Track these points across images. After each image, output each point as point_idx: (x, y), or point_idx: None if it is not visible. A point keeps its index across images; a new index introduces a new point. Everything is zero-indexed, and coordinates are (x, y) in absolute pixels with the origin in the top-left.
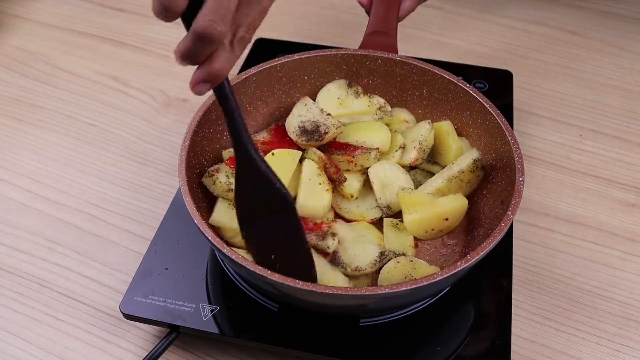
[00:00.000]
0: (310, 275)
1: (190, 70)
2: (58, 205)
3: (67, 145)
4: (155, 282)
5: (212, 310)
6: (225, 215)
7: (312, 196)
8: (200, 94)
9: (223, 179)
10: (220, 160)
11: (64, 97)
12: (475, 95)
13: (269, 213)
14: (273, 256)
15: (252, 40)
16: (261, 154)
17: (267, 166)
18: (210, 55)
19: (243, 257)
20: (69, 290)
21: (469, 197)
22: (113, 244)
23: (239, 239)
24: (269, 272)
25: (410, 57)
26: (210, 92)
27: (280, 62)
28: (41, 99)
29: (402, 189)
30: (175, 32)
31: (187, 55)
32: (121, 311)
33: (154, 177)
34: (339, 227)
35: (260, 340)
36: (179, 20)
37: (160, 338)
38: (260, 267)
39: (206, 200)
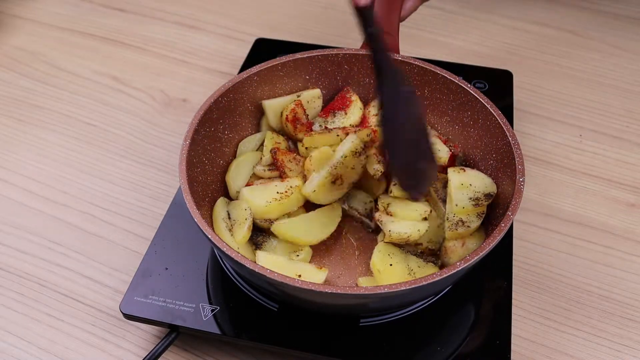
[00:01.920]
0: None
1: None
2: (58, 205)
3: (67, 145)
4: (155, 282)
5: (212, 310)
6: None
7: None
8: (363, 4)
9: None
10: (220, 158)
11: (64, 97)
12: (476, 95)
13: (406, 111)
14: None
15: (252, 40)
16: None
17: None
18: None
19: (243, 256)
20: (69, 290)
21: None
22: (113, 244)
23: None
24: (269, 271)
25: (412, 57)
26: (210, 92)
27: (281, 61)
28: (41, 99)
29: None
30: (176, 32)
31: None
32: (121, 311)
33: (154, 177)
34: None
35: (260, 340)
36: (178, 20)
37: (160, 338)
38: (260, 266)
39: (206, 200)
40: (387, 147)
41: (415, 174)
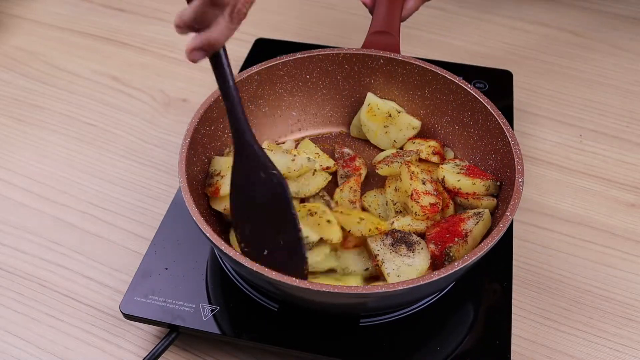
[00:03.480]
0: (301, 271)
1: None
2: (58, 205)
3: (67, 145)
4: (155, 282)
5: (212, 310)
6: None
7: None
8: (194, 60)
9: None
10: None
11: (64, 97)
12: (476, 96)
13: (265, 202)
14: (265, 251)
15: (252, 40)
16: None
17: (263, 151)
18: (209, 24)
19: (240, 254)
20: (69, 290)
21: None
22: (113, 244)
23: None
24: (268, 270)
25: (412, 57)
26: (210, 92)
27: (282, 60)
28: (41, 99)
29: None
30: (175, 33)
31: (192, 20)
32: (121, 311)
33: (154, 177)
34: None
35: (260, 340)
36: None
37: (160, 338)
38: (258, 265)
39: (206, 199)
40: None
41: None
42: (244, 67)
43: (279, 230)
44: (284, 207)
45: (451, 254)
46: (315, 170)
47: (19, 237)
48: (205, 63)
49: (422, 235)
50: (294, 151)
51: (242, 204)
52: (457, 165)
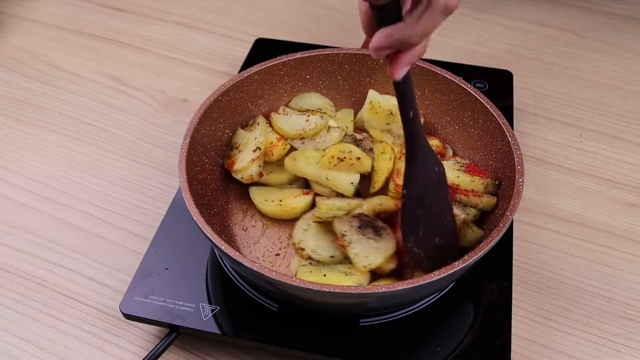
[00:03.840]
0: (455, 252)
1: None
2: (58, 205)
3: (67, 145)
4: (155, 282)
5: (212, 310)
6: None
7: None
8: (399, 78)
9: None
10: (220, 158)
11: (64, 97)
12: (476, 95)
13: (434, 194)
14: (437, 239)
15: (252, 40)
16: None
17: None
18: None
19: (241, 255)
20: (69, 290)
21: None
22: (113, 244)
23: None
24: (267, 270)
25: None
26: (210, 92)
27: (282, 60)
28: (41, 99)
29: None
30: (176, 32)
31: (419, 37)
32: (121, 311)
33: (154, 177)
34: None
35: (260, 340)
36: (178, 20)
37: (160, 338)
38: (258, 265)
39: (206, 199)
40: (412, 229)
41: (434, 255)
42: (244, 67)
43: (444, 213)
44: (445, 191)
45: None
46: (329, 127)
47: (19, 237)
48: (205, 63)
49: (392, 215)
50: (307, 112)
51: (418, 206)
52: (457, 162)
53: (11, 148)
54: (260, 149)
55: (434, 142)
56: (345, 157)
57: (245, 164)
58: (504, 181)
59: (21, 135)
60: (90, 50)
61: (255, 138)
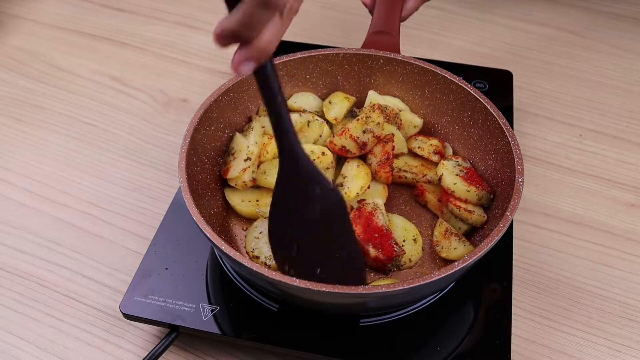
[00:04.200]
0: (361, 276)
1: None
2: (58, 205)
3: (67, 145)
4: (155, 282)
5: (212, 310)
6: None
7: None
8: (244, 74)
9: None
10: (220, 158)
11: (64, 97)
12: (476, 95)
13: (318, 219)
14: (319, 270)
15: None
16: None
17: (316, 166)
18: (258, 29)
19: (241, 255)
20: (69, 290)
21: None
22: (113, 244)
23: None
24: (267, 270)
25: (412, 57)
26: (210, 92)
27: (282, 60)
28: (41, 99)
29: None
30: (175, 33)
31: (240, 26)
32: (121, 311)
33: (154, 177)
34: None
35: (260, 340)
36: (178, 20)
37: (160, 338)
38: (258, 265)
39: (206, 198)
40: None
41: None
42: None
43: (335, 243)
44: (342, 221)
45: (400, 263)
46: (309, 121)
47: (19, 237)
48: (205, 63)
49: None
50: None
51: (289, 223)
52: (458, 164)
53: (11, 148)
54: (250, 158)
55: (432, 142)
56: (314, 160)
57: (237, 173)
58: (504, 181)
59: (21, 135)
60: (90, 50)
61: (248, 147)
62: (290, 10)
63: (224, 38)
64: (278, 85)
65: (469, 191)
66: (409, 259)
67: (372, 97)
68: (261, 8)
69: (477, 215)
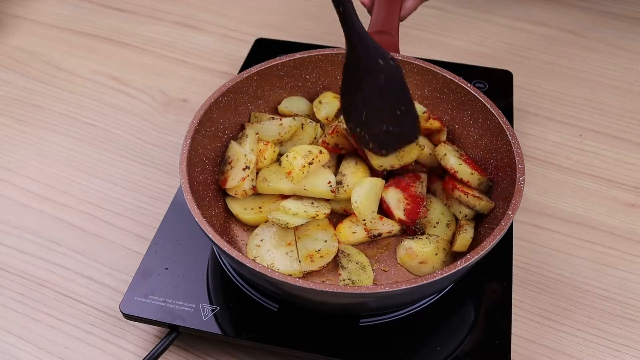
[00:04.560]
0: (417, 128)
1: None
2: (58, 205)
3: (67, 145)
4: (155, 282)
5: (212, 310)
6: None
7: None
8: None
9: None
10: (221, 158)
11: (64, 97)
12: (476, 95)
13: (383, 84)
14: (385, 127)
15: (252, 40)
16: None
17: (375, 42)
18: None
19: (243, 255)
20: (69, 290)
21: None
22: (113, 244)
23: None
24: (269, 270)
25: (412, 56)
26: (210, 92)
27: (281, 60)
28: (41, 99)
29: None
30: (175, 33)
31: None
32: (121, 311)
33: (154, 177)
34: None
35: (260, 340)
36: (178, 20)
37: (160, 338)
38: (260, 265)
39: (206, 199)
40: (353, 112)
41: (383, 138)
42: (244, 67)
43: (395, 104)
44: (401, 84)
45: (422, 224)
46: (302, 124)
47: (19, 237)
48: (205, 63)
49: None
50: (277, 117)
51: (357, 94)
52: (457, 151)
53: (11, 148)
54: (249, 167)
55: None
56: (313, 160)
57: (236, 183)
58: (504, 180)
59: (21, 135)
60: (90, 50)
61: (245, 155)
62: None
63: None
64: None
65: (472, 174)
66: (436, 235)
67: None
68: None
69: (486, 202)
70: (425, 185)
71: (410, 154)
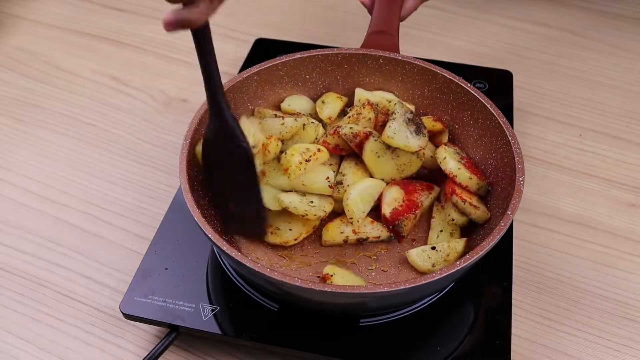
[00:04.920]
0: (261, 229)
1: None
2: (58, 205)
3: (67, 145)
4: (155, 282)
5: (212, 310)
6: None
7: None
8: (169, 31)
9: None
10: None
11: (64, 97)
12: (476, 95)
13: (234, 164)
14: (231, 204)
15: (252, 40)
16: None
17: (236, 121)
18: (192, 3)
19: (242, 255)
20: (69, 290)
21: None
22: (113, 244)
23: None
24: (269, 270)
25: (412, 56)
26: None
27: (281, 60)
28: (41, 99)
29: None
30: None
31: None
32: (121, 311)
33: (154, 177)
34: None
35: (260, 340)
36: None
37: (160, 338)
38: (260, 265)
39: (206, 199)
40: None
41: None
42: (244, 67)
43: (246, 188)
44: (251, 173)
45: (402, 227)
46: (304, 124)
47: (19, 237)
48: None
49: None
50: (280, 114)
51: (214, 160)
52: (457, 153)
53: (11, 148)
54: (255, 147)
55: (436, 125)
56: (310, 158)
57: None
58: (504, 180)
59: (21, 135)
60: (90, 50)
61: (254, 135)
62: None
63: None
64: (211, 47)
65: (471, 178)
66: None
67: (360, 94)
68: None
69: (482, 212)
70: (434, 198)
71: (410, 167)
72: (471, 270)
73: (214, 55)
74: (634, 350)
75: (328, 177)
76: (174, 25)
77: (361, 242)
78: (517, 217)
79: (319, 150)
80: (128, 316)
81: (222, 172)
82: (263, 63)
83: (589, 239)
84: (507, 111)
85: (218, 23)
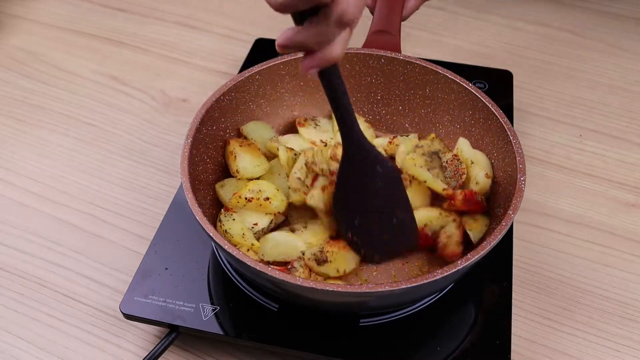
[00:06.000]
0: (414, 241)
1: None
2: (58, 205)
3: (67, 145)
4: (155, 282)
5: (212, 310)
6: None
7: None
8: (310, 74)
9: None
10: (222, 158)
11: (64, 97)
12: (477, 95)
13: (378, 190)
14: (380, 234)
15: (252, 40)
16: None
17: (376, 149)
18: (328, 42)
19: (243, 253)
20: (69, 290)
21: None
22: (113, 244)
23: None
24: (269, 268)
25: (413, 56)
26: (210, 92)
27: (283, 60)
28: (41, 99)
29: None
30: (175, 33)
31: (312, 43)
32: (121, 311)
33: (154, 177)
34: None
35: (260, 340)
36: (178, 20)
37: (160, 338)
38: (261, 264)
39: (207, 199)
40: (345, 216)
41: (377, 247)
42: (244, 67)
43: (393, 210)
44: (399, 189)
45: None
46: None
47: (19, 237)
48: (205, 63)
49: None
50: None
51: (353, 198)
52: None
53: (11, 148)
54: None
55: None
56: (253, 198)
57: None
58: (505, 180)
59: (21, 135)
60: (90, 50)
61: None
62: (354, 24)
63: (289, 48)
64: (341, 82)
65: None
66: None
67: (462, 145)
68: (337, 27)
69: (482, 224)
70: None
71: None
72: (471, 270)
73: (345, 88)
74: (634, 350)
75: (257, 223)
76: (316, 67)
77: None
78: (517, 217)
79: (267, 199)
80: (128, 316)
81: (367, 204)
82: (264, 63)
83: (589, 239)
84: (507, 111)
85: (218, 23)
